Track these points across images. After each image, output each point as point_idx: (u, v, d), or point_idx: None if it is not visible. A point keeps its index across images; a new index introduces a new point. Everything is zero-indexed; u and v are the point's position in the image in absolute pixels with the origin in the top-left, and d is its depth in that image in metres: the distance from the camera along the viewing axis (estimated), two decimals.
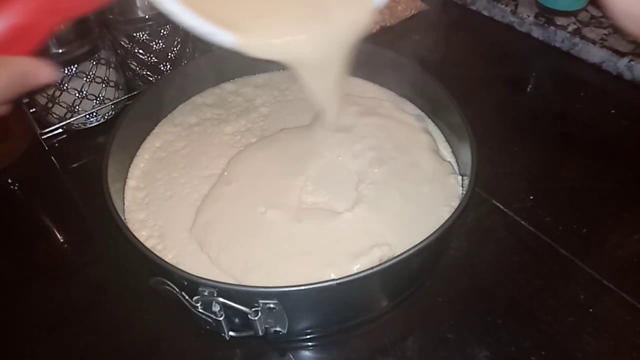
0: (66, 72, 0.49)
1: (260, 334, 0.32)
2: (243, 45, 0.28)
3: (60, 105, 0.51)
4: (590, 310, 0.37)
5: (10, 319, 0.39)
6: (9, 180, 0.50)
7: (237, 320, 0.32)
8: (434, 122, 0.47)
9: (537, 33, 0.63)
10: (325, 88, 0.35)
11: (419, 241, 0.31)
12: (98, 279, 0.41)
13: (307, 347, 0.37)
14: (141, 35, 0.51)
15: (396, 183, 0.40)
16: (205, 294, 0.30)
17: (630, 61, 0.55)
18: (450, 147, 0.44)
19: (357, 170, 0.41)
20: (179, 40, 0.54)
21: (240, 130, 0.46)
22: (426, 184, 0.40)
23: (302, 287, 0.29)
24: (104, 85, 0.52)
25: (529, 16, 0.63)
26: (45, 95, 0.50)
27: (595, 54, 0.57)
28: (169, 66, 0.54)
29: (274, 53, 0.30)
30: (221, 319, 0.30)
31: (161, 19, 0.51)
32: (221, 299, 0.30)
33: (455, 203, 0.38)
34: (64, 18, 0.24)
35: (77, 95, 0.50)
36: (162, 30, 0.52)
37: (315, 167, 0.41)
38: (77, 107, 0.51)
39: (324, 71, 0.33)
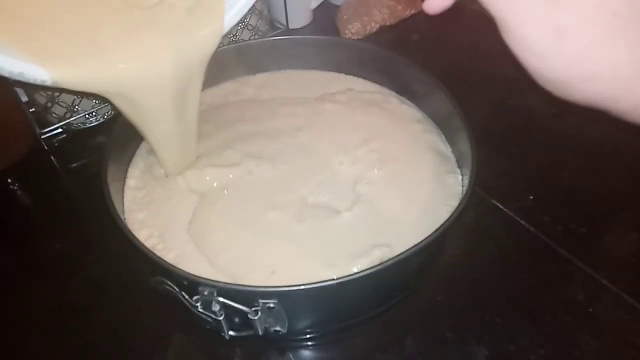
0: None
1: (261, 333, 0.32)
2: (60, 80, 0.24)
3: (60, 105, 0.51)
4: (589, 309, 0.37)
5: (11, 319, 0.39)
6: (9, 181, 0.50)
7: (237, 320, 0.32)
8: (433, 121, 0.47)
9: None
10: (164, 125, 0.31)
11: (418, 241, 0.31)
12: (98, 279, 0.41)
13: (307, 347, 0.37)
14: None
15: (396, 182, 0.40)
16: (206, 293, 0.30)
17: None
18: (450, 147, 0.44)
19: (359, 171, 0.41)
20: None
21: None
22: (426, 183, 0.40)
23: (302, 287, 0.29)
24: None
25: None
26: (45, 95, 0.50)
27: None
28: None
29: (102, 84, 0.26)
30: (221, 318, 0.30)
31: None
32: (221, 299, 0.30)
33: (454, 203, 0.38)
34: None
35: (76, 95, 0.50)
36: None
37: (316, 170, 0.41)
38: (77, 107, 0.51)
39: (162, 104, 0.29)
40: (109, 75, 0.27)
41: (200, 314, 0.30)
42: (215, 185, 0.40)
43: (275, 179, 0.40)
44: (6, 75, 0.24)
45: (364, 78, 0.51)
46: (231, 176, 0.41)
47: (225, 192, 0.40)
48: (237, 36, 0.59)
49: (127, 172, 0.43)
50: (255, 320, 0.30)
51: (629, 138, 0.50)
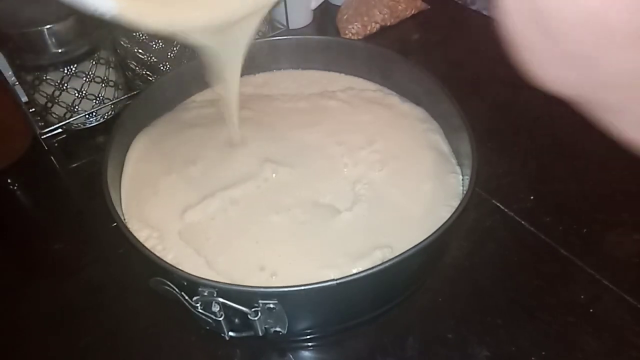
0: (66, 71, 0.49)
1: (260, 334, 0.32)
2: (127, 11, 0.23)
3: (60, 105, 0.51)
4: (590, 310, 0.37)
5: (10, 319, 0.39)
6: (9, 181, 0.50)
7: (237, 320, 0.32)
8: (435, 120, 0.47)
9: None
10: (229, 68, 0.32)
11: (418, 241, 0.31)
12: (98, 279, 0.41)
13: (307, 347, 0.37)
14: (141, 35, 0.51)
15: (397, 182, 0.40)
16: (205, 294, 0.30)
17: None
18: (451, 146, 0.44)
19: (361, 171, 0.41)
20: None
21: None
22: (427, 182, 0.40)
23: (302, 287, 0.29)
24: (103, 85, 0.52)
25: None
26: (45, 95, 0.50)
27: None
28: (168, 66, 0.54)
29: (170, 22, 0.25)
30: (221, 319, 0.30)
31: None
32: (221, 299, 0.30)
33: (455, 203, 0.38)
34: None
35: (76, 95, 0.50)
36: None
37: (322, 173, 0.41)
38: (77, 107, 0.51)
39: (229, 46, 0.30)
40: (175, 16, 0.26)
41: (200, 315, 0.30)
42: (222, 205, 0.39)
43: (285, 183, 0.40)
44: (66, 1, 0.22)
45: (364, 78, 0.51)
46: (242, 192, 0.39)
47: (234, 205, 0.39)
48: None
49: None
50: (255, 320, 0.30)
51: None
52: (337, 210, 0.38)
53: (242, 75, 0.52)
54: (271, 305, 0.30)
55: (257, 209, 0.38)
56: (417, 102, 0.48)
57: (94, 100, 0.52)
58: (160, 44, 0.52)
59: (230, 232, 0.37)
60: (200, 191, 0.39)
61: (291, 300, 0.30)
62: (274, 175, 0.40)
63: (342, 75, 0.52)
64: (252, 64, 0.52)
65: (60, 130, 0.53)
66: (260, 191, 0.39)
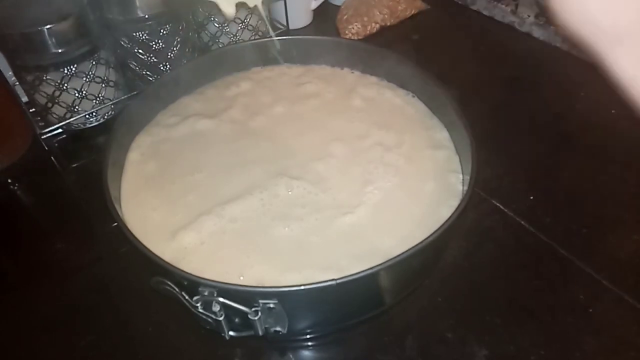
0: (66, 72, 0.49)
1: (260, 333, 0.32)
2: None
3: (60, 105, 0.51)
4: (590, 310, 0.37)
5: (11, 319, 0.39)
6: (9, 181, 0.50)
7: (237, 320, 0.32)
8: (440, 119, 0.47)
9: (537, 33, 0.63)
10: None
11: (418, 241, 0.31)
12: (98, 278, 0.41)
13: (307, 347, 0.37)
14: (141, 35, 0.51)
15: (401, 183, 0.40)
16: (205, 293, 0.30)
17: None
18: (454, 144, 0.44)
19: (376, 174, 0.41)
20: (178, 40, 0.54)
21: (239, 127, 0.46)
22: (429, 182, 0.40)
23: (302, 287, 0.29)
24: (103, 85, 0.52)
25: (529, 16, 0.63)
26: (45, 95, 0.50)
27: None
28: (168, 66, 0.54)
29: None
30: (221, 318, 0.30)
31: (161, 19, 0.51)
32: (221, 299, 0.30)
33: (455, 202, 0.38)
34: None
35: (76, 95, 0.50)
36: (162, 30, 0.52)
37: (334, 176, 0.41)
38: (77, 107, 0.51)
39: None
40: None
41: (200, 314, 0.30)
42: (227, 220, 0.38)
43: (294, 198, 0.39)
44: None
45: (367, 74, 0.51)
46: (249, 209, 0.38)
47: (236, 222, 0.38)
48: (236, 36, 0.59)
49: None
50: (255, 320, 0.30)
51: (631, 138, 0.50)
52: (342, 211, 0.38)
53: (239, 71, 0.52)
54: (271, 305, 0.30)
55: (259, 224, 0.37)
56: (422, 100, 0.48)
57: (94, 101, 0.52)
58: (161, 44, 0.53)
59: (231, 250, 0.36)
60: (201, 207, 0.38)
61: (291, 300, 0.30)
62: (289, 192, 0.39)
63: (345, 70, 0.52)
64: (254, 62, 0.52)
65: (60, 130, 0.53)
66: (267, 206, 0.39)
